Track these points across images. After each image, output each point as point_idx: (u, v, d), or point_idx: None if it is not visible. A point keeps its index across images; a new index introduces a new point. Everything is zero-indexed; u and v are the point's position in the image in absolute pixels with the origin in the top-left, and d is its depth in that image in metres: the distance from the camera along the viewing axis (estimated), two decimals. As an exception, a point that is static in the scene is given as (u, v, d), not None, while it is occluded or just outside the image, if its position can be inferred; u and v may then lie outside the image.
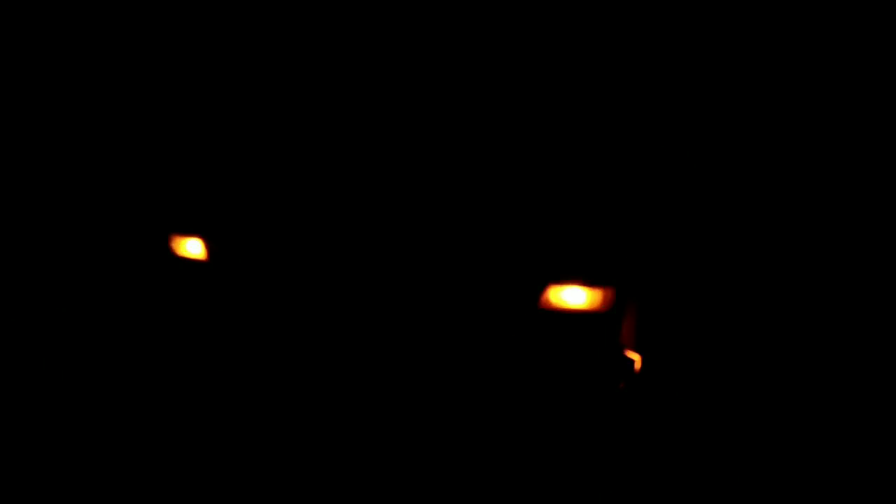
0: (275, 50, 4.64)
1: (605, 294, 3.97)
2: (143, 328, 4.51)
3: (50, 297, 4.82)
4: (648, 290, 4.74)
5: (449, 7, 4.64)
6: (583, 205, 4.31)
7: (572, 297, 3.96)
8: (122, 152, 4.92)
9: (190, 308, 4.31)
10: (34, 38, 4.59)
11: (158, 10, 4.61)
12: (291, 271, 4.16)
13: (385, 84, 4.58)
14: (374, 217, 4.17)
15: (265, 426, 4.18)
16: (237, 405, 4.26)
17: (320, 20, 4.64)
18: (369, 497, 3.70)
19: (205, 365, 4.23)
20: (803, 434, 4.81)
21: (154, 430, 4.09)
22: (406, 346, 4.03)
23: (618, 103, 4.77)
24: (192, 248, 4.28)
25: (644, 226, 4.65)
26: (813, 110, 6.71)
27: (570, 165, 4.50)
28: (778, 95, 6.61)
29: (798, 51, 6.76)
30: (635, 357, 4.23)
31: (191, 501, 3.60)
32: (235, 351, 4.29)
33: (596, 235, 4.14)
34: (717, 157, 6.71)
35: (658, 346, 5.32)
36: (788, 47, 6.81)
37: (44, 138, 4.91)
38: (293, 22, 4.64)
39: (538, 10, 4.77)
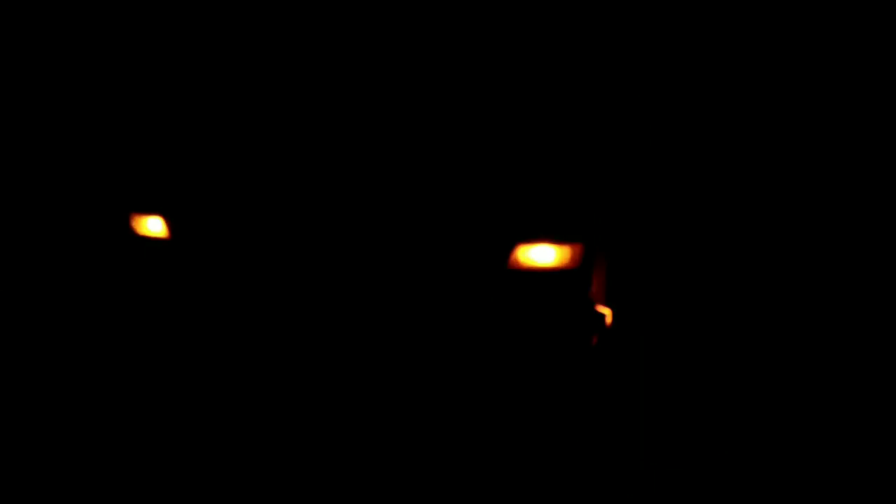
0: (233, 33, 4.62)
1: (573, 251, 3.85)
2: (106, 310, 4.47)
3: (11, 281, 4.79)
4: (618, 244, 4.62)
5: None
6: (548, 161, 4.21)
7: (541, 254, 3.85)
8: (82, 132, 4.91)
9: (152, 288, 4.24)
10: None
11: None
12: (254, 244, 4.08)
13: (343, 55, 4.54)
14: (338, 181, 4.10)
15: (235, 409, 4.14)
16: (208, 389, 4.21)
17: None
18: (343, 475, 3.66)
19: (170, 347, 4.16)
20: (775, 390, 4.79)
21: (121, 419, 4.05)
22: (375, 314, 3.94)
23: (581, 65, 4.71)
24: (153, 226, 4.22)
25: (612, 181, 4.54)
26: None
27: (536, 125, 4.42)
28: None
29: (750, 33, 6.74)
30: (606, 311, 4.08)
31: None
32: (201, 332, 4.21)
33: (563, 192, 4.04)
34: (683, 115, 6.65)
35: (629, 300, 5.18)
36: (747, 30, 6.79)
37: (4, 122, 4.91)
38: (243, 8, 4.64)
39: None
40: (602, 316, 4.08)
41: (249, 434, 3.88)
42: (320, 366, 4.18)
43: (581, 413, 4.15)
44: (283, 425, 3.97)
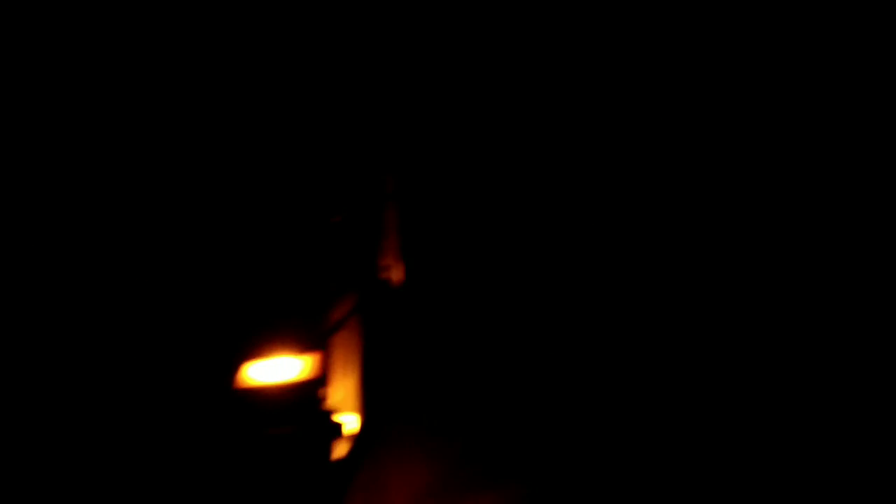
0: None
1: (314, 360, 3.70)
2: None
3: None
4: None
5: None
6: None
7: (276, 370, 3.65)
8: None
9: None
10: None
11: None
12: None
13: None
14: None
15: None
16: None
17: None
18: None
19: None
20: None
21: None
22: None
23: None
24: None
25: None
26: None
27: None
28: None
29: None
30: (346, 421, 4.03)
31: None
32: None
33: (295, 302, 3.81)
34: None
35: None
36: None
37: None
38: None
39: None
40: (339, 426, 3.89)
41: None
42: None
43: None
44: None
